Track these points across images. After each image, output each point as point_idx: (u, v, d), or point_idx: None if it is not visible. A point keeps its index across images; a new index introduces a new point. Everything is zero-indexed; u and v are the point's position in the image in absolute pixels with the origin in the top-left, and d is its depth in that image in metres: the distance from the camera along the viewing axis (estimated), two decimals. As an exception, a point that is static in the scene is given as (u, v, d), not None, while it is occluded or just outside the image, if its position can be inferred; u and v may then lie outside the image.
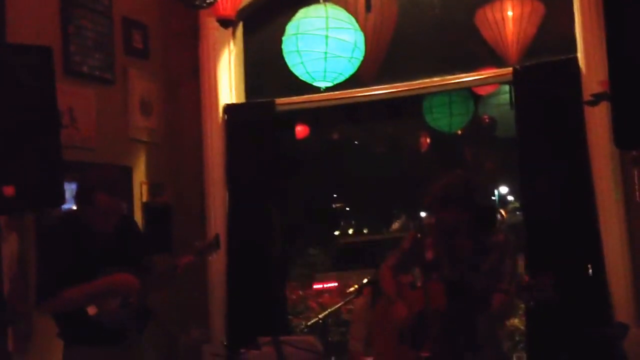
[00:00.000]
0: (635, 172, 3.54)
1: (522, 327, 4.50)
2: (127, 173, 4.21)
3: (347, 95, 4.40)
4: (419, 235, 3.04)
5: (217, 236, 3.38)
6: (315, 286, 7.21)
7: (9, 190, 2.44)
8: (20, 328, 3.24)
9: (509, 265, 2.91)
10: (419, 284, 3.07)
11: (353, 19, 3.85)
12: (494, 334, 2.99)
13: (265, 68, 4.71)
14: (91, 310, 2.82)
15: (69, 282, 2.79)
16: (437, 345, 2.81)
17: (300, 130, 6.81)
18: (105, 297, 2.86)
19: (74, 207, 3.06)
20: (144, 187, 4.41)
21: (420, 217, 3.18)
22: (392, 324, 3.03)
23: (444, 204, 2.93)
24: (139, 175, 4.39)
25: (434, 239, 3.02)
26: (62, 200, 2.79)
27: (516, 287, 2.71)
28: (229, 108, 4.55)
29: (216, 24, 4.13)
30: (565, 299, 3.51)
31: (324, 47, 3.67)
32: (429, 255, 3.02)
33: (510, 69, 3.93)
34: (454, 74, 4.20)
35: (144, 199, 4.40)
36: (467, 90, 5.53)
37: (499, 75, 4.12)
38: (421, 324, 2.89)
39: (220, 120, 4.53)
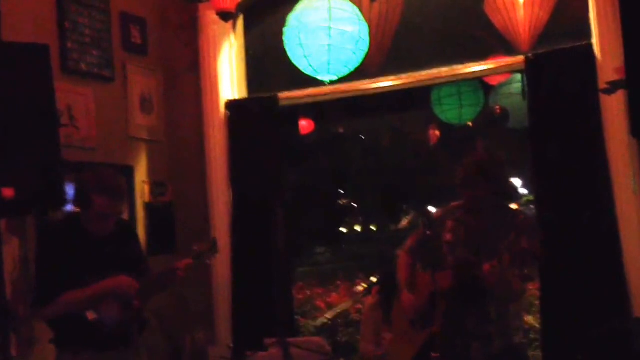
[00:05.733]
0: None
1: (537, 325, 4.50)
2: (128, 172, 4.23)
3: (352, 88, 4.39)
4: (428, 232, 3.08)
5: (214, 241, 3.39)
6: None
7: (8, 192, 2.46)
8: (23, 333, 3.26)
9: (524, 244, 2.91)
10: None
11: (357, 9, 3.85)
12: (506, 321, 3.01)
13: (267, 62, 4.71)
14: (90, 315, 2.84)
15: (66, 286, 2.80)
16: (444, 324, 2.90)
17: (305, 125, 6.81)
18: (105, 301, 2.87)
19: (73, 209, 3.08)
20: (146, 187, 4.43)
21: (428, 212, 3.24)
22: (402, 313, 3.13)
23: (478, 180, 2.99)
24: (141, 174, 4.41)
25: (456, 220, 3.09)
26: (63, 201, 2.81)
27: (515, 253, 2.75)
28: (230, 104, 4.56)
29: (216, 17, 4.13)
30: (582, 294, 3.56)
31: (327, 39, 3.66)
32: (448, 236, 3.10)
33: (522, 57, 3.92)
34: (463, 64, 4.18)
35: (146, 198, 4.42)
36: (478, 81, 5.50)
37: (510, 64, 4.10)
38: (431, 305, 2.98)
39: (222, 116, 4.54)
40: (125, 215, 3.60)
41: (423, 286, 3.08)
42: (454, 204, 3.21)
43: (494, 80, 5.54)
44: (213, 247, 3.32)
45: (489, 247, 2.93)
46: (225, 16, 3.98)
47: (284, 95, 4.50)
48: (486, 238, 2.97)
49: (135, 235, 3.29)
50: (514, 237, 2.94)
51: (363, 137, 11.80)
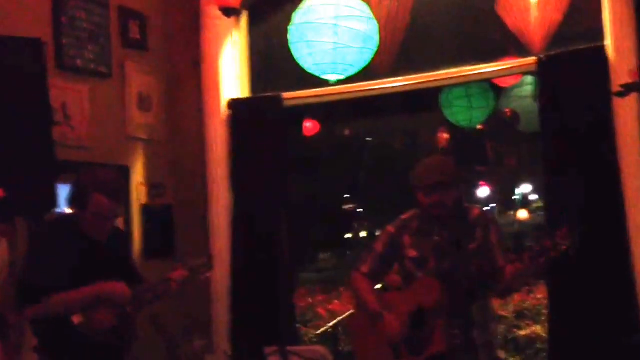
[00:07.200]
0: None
1: (545, 335, 4.48)
2: (124, 173, 4.22)
3: (359, 89, 4.38)
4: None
5: (210, 256, 3.42)
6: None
7: (-2, 193, 2.45)
8: (11, 339, 3.25)
9: (495, 236, 3.02)
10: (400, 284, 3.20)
11: (365, 6, 3.84)
12: (488, 327, 3.06)
13: (272, 60, 4.71)
14: (76, 318, 2.80)
15: (55, 287, 2.77)
16: (442, 341, 2.88)
17: (310, 127, 6.80)
18: (95, 306, 2.84)
19: (70, 211, 3.07)
20: (143, 188, 4.42)
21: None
22: (382, 340, 3.04)
23: (441, 186, 3.01)
24: (137, 175, 4.40)
25: (414, 234, 3.11)
26: (55, 203, 2.80)
27: (540, 248, 2.78)
28: (233, 103, 4.55)
29: (219, 13, 4.13)
30: (591, 303, 3.55)
31: (334, 37, 3.65)
32: (412, 253, 3.09)
33: (534, 58, 3.90)
34: (473, 65, 4.17)
35: (143, 200, 4.41)
36: (488, 82, 5.51)
37: (522, 66, 4.08)
38: (418, 326, 2.95)
39: (223, 116, 4.53)
40: (120, 217, 3.58)
41: (399, 306, 3.04)
42: (403, 216, 3.22)
43: (504, 82, 5.53)
44: (208, 263, 3.34)
45: (461, 253, 2.96)
46: (228, 12, 3.98)
47: (288, 95, 4.49)
48: (456, 245, 2.99)
49: (129, 243, 3.29)
50: (482, 232, 3.00)
51: (370, 140, 11.79)
